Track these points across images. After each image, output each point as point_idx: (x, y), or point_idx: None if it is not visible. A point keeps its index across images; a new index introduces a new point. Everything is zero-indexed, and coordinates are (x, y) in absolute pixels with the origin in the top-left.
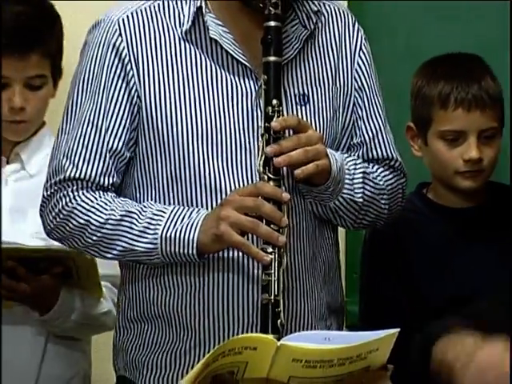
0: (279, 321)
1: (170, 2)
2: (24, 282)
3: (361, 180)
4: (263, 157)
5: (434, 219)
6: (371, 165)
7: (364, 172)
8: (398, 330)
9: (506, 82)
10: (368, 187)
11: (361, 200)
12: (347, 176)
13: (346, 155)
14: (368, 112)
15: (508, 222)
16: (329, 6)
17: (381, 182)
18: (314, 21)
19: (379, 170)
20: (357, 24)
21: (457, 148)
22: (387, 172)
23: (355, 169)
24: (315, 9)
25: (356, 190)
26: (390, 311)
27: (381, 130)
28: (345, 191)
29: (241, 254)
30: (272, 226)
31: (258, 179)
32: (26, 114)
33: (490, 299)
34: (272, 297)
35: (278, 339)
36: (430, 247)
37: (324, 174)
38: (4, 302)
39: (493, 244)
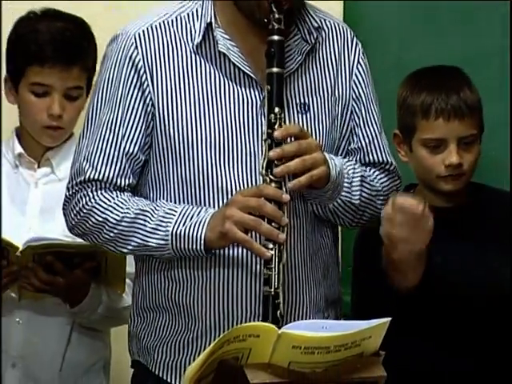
0: (279, 312)
1: (183, 18)
2: (61, 275)
3: (359, 183)
4: (266, 160)
5: None
6: (368, 168)
7: (362, 176)
8: (389, 319)
9: (506, 83)
10: (365, 190)
11: (358, 202)
12: (346, 180)
13: (345, 160)
14: (364, 120)
15: (486, 219)
16: (329, 21)
17: (377, 184)
18: (315, 36)
19: (375, 173)
20: (355, 39)
21: (439, 154)
22: (383, 175)
23: (354, 173)
24: (316, 25)
25: (354, 193)
26: (380, 302)
27: (376, 137)
28: (343, 194)
29: (244, 250)
30: (273, 224)
31: (260, 181)
32: (62, 122)
33: None
34: (272, 289)
35: (279, 328)
36: None
37: (322, 179)
38: (33, 293)
39: (472, 239)
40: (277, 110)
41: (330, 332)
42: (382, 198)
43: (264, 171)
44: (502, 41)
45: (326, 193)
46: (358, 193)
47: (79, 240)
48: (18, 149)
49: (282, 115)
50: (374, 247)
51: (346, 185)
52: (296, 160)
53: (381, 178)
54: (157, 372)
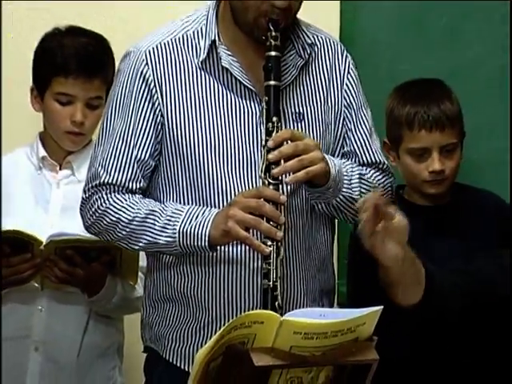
0: (277, 302)
1: (189, 36)
2: (80, 268)
3: (357, 180)
4: (265, 165)
5: (407, 215)
6: (364, 168)
7: (360, 173)
8: (382, 307)
9: (488, 92)
10: (364, 185)
11: (358, 197)
12: (345, 177)
13: (343, 160)
14: (356, 125)
15: (468, 217)
16: (321, 37)
17: (374, 181)
18: (309, 51)
19: (371, 172)
20: (345, 52)
21: (423, 162)
22: (378, 173)
23: (352, 171)
24: (309, 41)
25: (354, 189)
26: (372, 292)
27: (368, 140)
28: (344, 190)
29: (245, 248)
30: (271, 223)
31: (260, 184)
32: (84, 128)
33: None
34: (271, 282)
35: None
36: None
37: (320, 176)
38: (55, 283)
39: (455, 235)
40: (274, 119)
41: (327, 319)
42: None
43: (263, 175)
44: (485, 55)
45: (329, 190)
46: (357, 188)
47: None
48: (42, 152)
49: (279, 124)
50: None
51: (345, 181)
52: (293, 161)
53: (376, 176)
54: (167, 357)
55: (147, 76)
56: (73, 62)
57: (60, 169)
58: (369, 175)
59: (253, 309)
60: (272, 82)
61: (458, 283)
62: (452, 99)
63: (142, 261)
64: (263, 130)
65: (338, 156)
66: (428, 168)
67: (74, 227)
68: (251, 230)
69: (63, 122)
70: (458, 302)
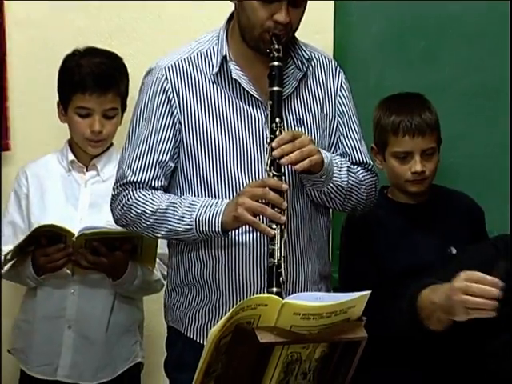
0: (281, 278)
1: (203, 54)
2: (104, 256)
3: (345, 171)
4: (270, 160)
5: (391, 212)
6: (354, 165)
7: (348, 166)
8: (369, 292)
9: (462, 105)
10: (351, 177)
11: (346, 186)
12: (335, 168)
13: (333, 154)
14: (347, 131)
15: (444, 213)
16: (318, 54)
17: (360, 176)
18: (306, 65)
19: (359, 169)
20: (338, 67)
21: (406, 164)
22: (364, 171)
23: (341, 163)
24: (307, 57)
25: (343, 178)
26: (361, 278)
27: (357, 143)
28: (334, 179)
29: (254, 236)
30: (276, 209)
31: (265, 177)
32: (102, 136)
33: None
34: (276, 260)
35: (281, 297)
36: (388, 232)
37: (318, 165)
38: (84, 270)
39: (433, 229)
40: (277, 120)
41: (322, 302)
42: (363, 187)
43: (268, 168)
44: (456, 74)
45: (321, 177)
46: (345, 178)
47: (120, 228)
48: (71, 157)
49: (282, 124)
50: (357, 235)
51: (335, 171)
52: (296, 152)
53: (362, 173)
54: (187, 334)
55: (167, 89)
56: (89, 80)
57: (87, 170)
58: (356, 171)
59: (261, 288)
60: (275, 88)
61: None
62: (431, 110)
63: (160, 249)
64: (268, 130)
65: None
66: (411, 169)
67: (100, 221)
68: (258, 216)
69: (84, 131)
70: None
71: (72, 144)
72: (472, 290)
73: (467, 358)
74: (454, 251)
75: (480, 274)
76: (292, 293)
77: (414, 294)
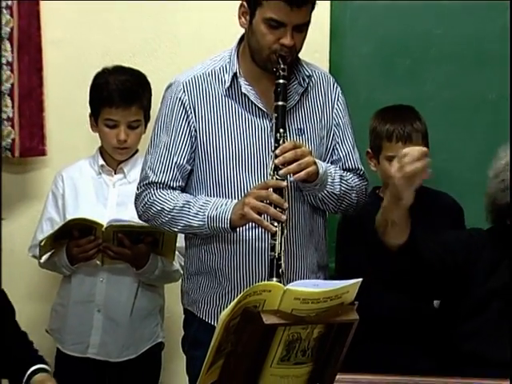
0: (280, 269)
1: (216, 71)
2: (128, 248)
3: (338, 180)
4: (273, 165)
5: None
6: (346, 172)
7: (341, 175)
8: (361, 279)
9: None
10: (343, 185)
11: (338, 193)
12: (329, 177)
13: (328, 164)
14: (342, 140)
15: (430, 211)
16: (317, 72)
17: (352, 183)
18: (307, 82)
19: (350, 175)
20: (335, 83)
21: None
22: (355, 177)
23: (335, 172)
24: (308, 74)
25: (335, 186)
26: (354, 267)
27: (350, 151)
28: (328, 186)
29: (258, 232)
30: (277, 208)
31: (269, 179)
32: (127, 144)
33: None
34: (276, 254)
35: (284, 285)
36: None
37: (313, 176)
38: (111, 260)
39: (418, 224)
40: (281, 130)
41: (319, 288)
42: (354, 192)
43: (272, 172)
44: (435, 90)
45: (317, 185)
46: (338, 186)
47: (143, 223)
48: (101, 161)
49: (285, 134)
50: (351, 230)
51: (329, 180)
52: (294, 164)
53: (354, 179)
54: (201, 317)
55: (184, 101)
56: (115, 95)
57: (115, 173)
58: (348, 178)
59: (263, 277)
60: (280, 103)
61: (430, 246)
62: (421, 120)
63: (180, 242)
64: (272, 139)
65: (328, 162)
66: None
67: (126, 217)
68: (263, 215)
69: (111, 141)
70: (428, 256)
71: (102, 151)
72: (405, 163)
73: (445, 339)
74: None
75: (408, 149)
76: (294, 280)
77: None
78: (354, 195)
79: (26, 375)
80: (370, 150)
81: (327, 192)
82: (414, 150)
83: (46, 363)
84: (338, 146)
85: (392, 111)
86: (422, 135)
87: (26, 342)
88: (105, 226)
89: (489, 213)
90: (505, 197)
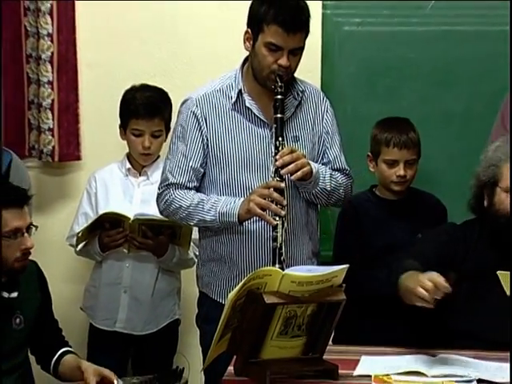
0: (282, 257)
1: (224, 88)
2: (150, 239)
3: (329, 178)
4: (274, 168)
5: (377, 205)
6: (335, 172)
7: (331, 174)
8: (348, 265)
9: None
10: (333, 182)
11: (329, 189)
12: (321, 176)
13: (320, 165)
14: (331, 145)
15: (417, 208)
16: (309, 87)
17: (339, 180)
18: (301, 96)
19: (338, 174)
20: (325, 97)
21: (393, 169)
22: (343, 176)
23: (325, 172)
24: (301, 89)
25: (326, 183)
26: (351, 253)
27: (338, 155)
28: (320, 183)
29: (262, 224)
30: (278, 205)
31: (270, 180)
32: (150, 151)
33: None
34: (278, 244)
35: (282, 270)
36: (374, 220)
37: (308, 175)
38: (136, 249)
39: (407, 219)
40: (280, 138)
41: (312, 273)
42: (342, 188)
43: (273, 175)
44: (412, 104)
45: (311, 183)
46: (328, 183)
47: (163, 217)
48: (128, 165)
49: (283, 142)
50: (349, 222)
51: (321, 178)
52: (292, 165)
53: (342, 178)
54: (212, 297)
55: (197, 114)
56: (141, 109)
57: (139, 175)
58: (336, 176)
59: (266, 263)
60: (278, 115)
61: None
62: (415, 131)
63: (194, 235)
64: (273, 146)
65: (319, 164)
66: (396, 173)
67: (149, 212)
68: (265, 210)
69: (137, 147)
70: None
71: (129, 156)
72: (426, 286)
73: (432, 316)
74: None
75: (437, 278)
76: (293, 266)
77: (399, 273)
78: (341, 191)
79: (56, 355)
80: (370, 154)
81: (320, 188)
82: (439, 283)
83: (70, 347)
84: (327, 150)
85: (391, 122)
86: (415, 144)
87: (57, 329)
88: (131, 219)
89: (472, 187)
90: (488, 173)
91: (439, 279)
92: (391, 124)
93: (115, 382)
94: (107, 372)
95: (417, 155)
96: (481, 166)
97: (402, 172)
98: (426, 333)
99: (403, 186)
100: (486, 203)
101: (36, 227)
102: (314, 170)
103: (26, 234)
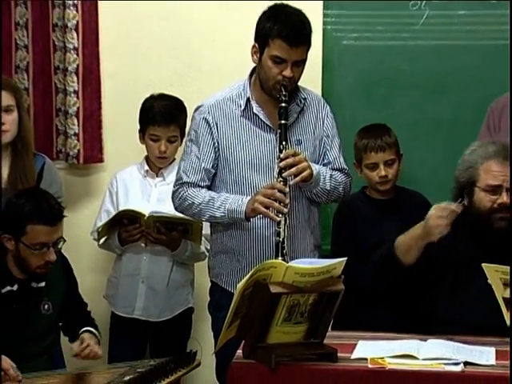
0: (284, 251)
1: (234, 96)
2: (164, 235)
3: (329, 178)
4: (278, 169)
5: (368, 204)
6: (334, 172)
7: (330, 174)
8: (346, 258)
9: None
10: (332, 181)
11: (329, 188)
12: (321, 177)
13: (320, 166)
14: (331, 147)
15: (403, 206)
16: (311, 94)
17: (339, 179)
18: (303, 103)
19: (338, 173)
20: (325, 103)
21: (375, 171)
22: (342, 175)
23: (326, 172)
24: (303, 96)
25: (326, 183)
26: (345, 248)
27: (338, 156)
28: (320, 184)
29: (266, 220)
30: (281, 203)
31: (274, 181)
32: (166, 154)
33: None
34: (280, 239)
35: (286, 263)
36: (365, 218)
37: (309, 177)
38: (152, 243)
39: (395, 216)
40: (284, 142)
41: (314, 265)
42: (341, 187)
43: (277, 175)
44: (403, 111)
45: (312, 183)
46: (328, 183)
47: (178, 214)
48: (146, 167)
49: (286, 145)
50: (344, 220)
51: (321, 179)
52: (293, 168)
53: (341, 177)
54: (223, 286)
55: (209, 120)
56: (158, 117)
57: (156, 176)
58: (336, 175)
59: (270, 256)
60: (283, 121)
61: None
62: (390, 133)
63: (205, 230)
64: (277, 149)
65: (320, 164)
66: (378, 174)
67: (165, 210)
68: (269, 208)
69: (154, 152)
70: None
71: (147, 159)
72: (439, 213)
73: (418, 304)
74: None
75: (444, 204)
76: (296, 258)
77: (391, 243)
78: (341, 189)
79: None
80: (355, 162)
81: (320, 188)
82: (449, 207)
83: (97, 329)
84: (327, 151)
85: (367, 129)
86: (391, 145)
87: (84, 311)
88: (146, 216)
89: (453, 189)
90: (466, 174)
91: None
92: (368, 131)
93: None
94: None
95: (395, 155)
96: (459, 169)
97: (382, 173)
98: (416, 320)
99: (387, 184)
100: (466, 203)
101: (64, 241)
102: (314, 172)
103: (51, 249)
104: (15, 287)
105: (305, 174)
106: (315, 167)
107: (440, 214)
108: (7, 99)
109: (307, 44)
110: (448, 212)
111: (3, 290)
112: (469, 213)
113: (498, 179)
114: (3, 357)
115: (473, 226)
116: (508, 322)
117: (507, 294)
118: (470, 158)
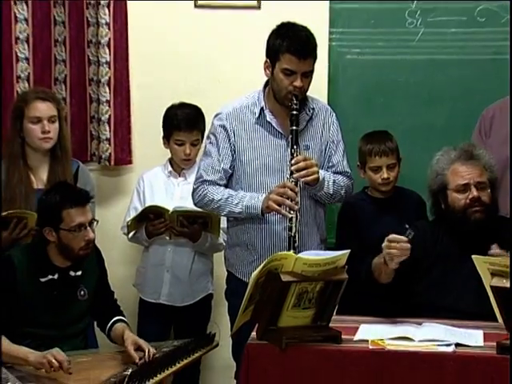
0: (296, 244)
1: (249, 105)
2: (186, 228)
3: (332, 183)
4: (289, 172)
5: (370, 203)
6: (338, 175)
7: (334, 179)
8: (349, 250)
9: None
10: (335, 185)
11: (331, 192)
12: (326, 182)
13: (326, 172)
14: (335, 152)
15: (402, 205)
16: (319, 104)
17: (341, 183)
18: (311, 112)
19: (341, 177)
20: (332, 112)
21: (378, 174)
22: (345, 178)
23: (330, 178)
24: (312, 106)
25: (330, 187)
26: (348, 243)
27: (341, 160)
28: (324, 188)
29: (279, 217)
30: (292, 201)
31: (286, 181)
32: (190, 157)
33: None
34: (292, 233)
35: (296, 254)
36: (367, 216)
37: (315, 181)
38: (175, 236)
39: (394, 214)
40: (295, 147)
41: (321, 256)
42: (344, 190)
43: (288, 177)
44: (402, 118)
45: (316, 188)
46: (331, 187)
47: (197, 209)
48: (170, 169)
49: (297, 149)
50: (347, 218)
51: (326, 184)
52: (303, 171)
53: (344, 180)
54: (238, 276)
55: (226, 126)
56: (182, 123)
57: (179, 176)
58: (339, 179)
59: (282, 249)
60: (294, 128)
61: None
62: (392, 140)
63: (223, 224)
64: (288, 153)
65: (325, 167)
66: (381, 177)
67: (187, 206)
68: (281, 206)
69: (180, 155)
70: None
71: (171, 161)
72: (391, 246)
73: (406, 294)
74: (406, 226)
75: (394, 236)
76: (305, 250)
77: (369, 264)
78: (343, 192)
79: (110, 322)
80: (359, 164)
81: (324, 192)
82: (399, 240)
83: (123, 316)
84: (332, 155)
85: (372, 135)
86: (393, 150)
87: (112, 299)
88: (170, 211)
89: (428, 198)
90: (437, 181)
91: (398, 237)
92: (372, 137)
93: (146, 350)
94: (141, 342)
95: (396, 159)
96: (429, 179)
97: (385, 175)
98: (412, 306)
99: (389, 185)
100: (443, 206)
101: (97, 221)
102: (320, 178)
103: (88, 228)
104: (56, 276)
105: (314, 176)
106: (321, 173)
107: (390, 246)
108: (51, 110)
109: (314, 56)
110: (396, 244)
111: (45, 279)
112: (447, 214)
113: (465, 178)
114: (57, 349)
115: (453, 223)
116: (496, 310)
117: (494, 283)
118: (436, 167)
